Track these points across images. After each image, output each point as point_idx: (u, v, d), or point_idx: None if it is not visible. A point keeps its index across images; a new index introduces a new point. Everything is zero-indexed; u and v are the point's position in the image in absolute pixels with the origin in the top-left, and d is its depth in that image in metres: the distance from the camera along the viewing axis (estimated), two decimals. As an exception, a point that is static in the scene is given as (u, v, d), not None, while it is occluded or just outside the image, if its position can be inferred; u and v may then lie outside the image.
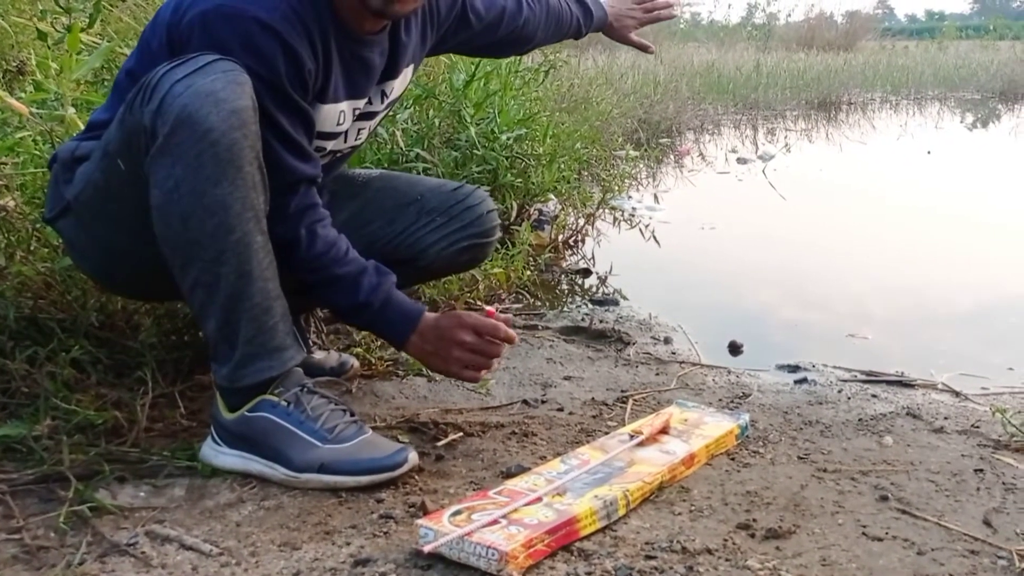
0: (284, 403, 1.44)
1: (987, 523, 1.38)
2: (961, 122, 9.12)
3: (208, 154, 1.31)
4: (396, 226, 1.75)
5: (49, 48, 1.98)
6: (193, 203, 1.33)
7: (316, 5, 1.45)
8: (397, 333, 1.57)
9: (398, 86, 1.70)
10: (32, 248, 1.80)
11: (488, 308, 1.61)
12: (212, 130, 1.30)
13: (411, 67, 1.72)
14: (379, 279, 1.54)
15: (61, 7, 1.89)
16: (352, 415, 1.50)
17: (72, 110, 1.92)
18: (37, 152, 1.93)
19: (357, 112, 1.62)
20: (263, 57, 1.39)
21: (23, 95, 2.01)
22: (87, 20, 2.00)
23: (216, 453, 1.46)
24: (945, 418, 1.83)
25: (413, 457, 1.47)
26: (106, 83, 2.40)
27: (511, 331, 1.59)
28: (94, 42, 2.18)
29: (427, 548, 1.20)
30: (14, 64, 2.43)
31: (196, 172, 1.31)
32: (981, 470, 1.57)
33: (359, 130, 1.69)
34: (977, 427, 1.77)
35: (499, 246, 2.65)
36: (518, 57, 3.22)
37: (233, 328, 1.40)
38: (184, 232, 1.35)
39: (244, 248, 1.37)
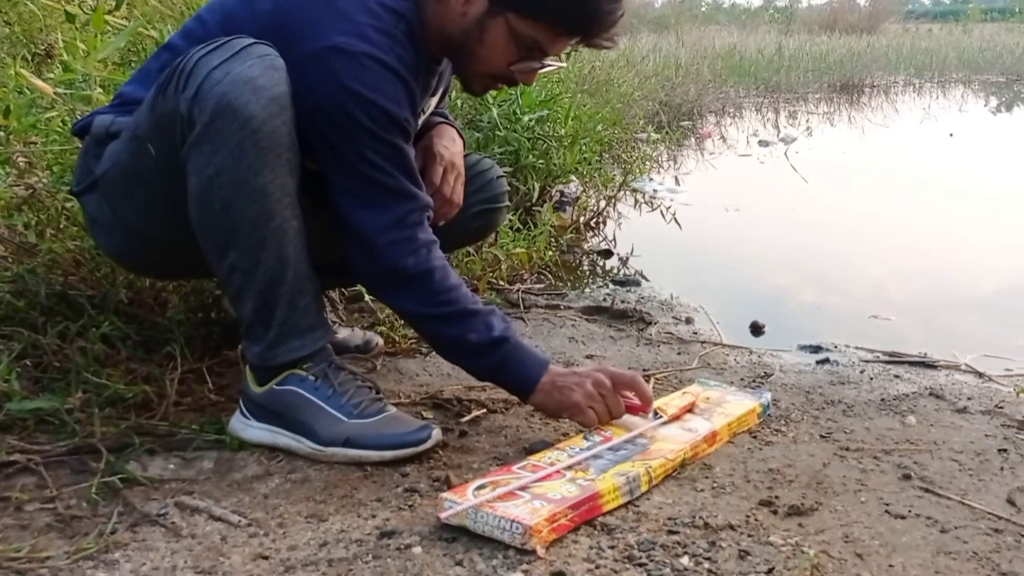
0: (312, 378, 1.46)
1: (1011, 502, 1.38)
2: (985, 105, 9.04)
3: (249, 142, 1.31)
4: None
5: (77, 29, 2.00)
6: (234, 191, 1.34)
7: (414, 40, 1.45)
8: (531, 370, 1.50)
9: (432, 104, 1.70)
10: (62, 226, 1.82)
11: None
12: (253, 118, 1.30)
13: (441, 92, 1.72)
14: (508, 322, 1.52)
15: (89, -12, 1.90)
16: (378, 392, 1.52)
17: (99, 90, 1.94)
18: (64, 132, 1.95)
19: None
20: (388, 94, 1.40)
21: (51, 76, 2.04)
22: (114, 2, 2.01)
23: (244, 426, 1.48)
24: (968, 398, 1.83)
25: (437, 434, 1.48)
26: (133, 64, 2.42)
27: (650, 393, 1.54)
28: (121, 23, 2.19)
29: (443, 515, 1.22)
30: (42, 47, 2.46)
31: (238, 161, 1.32)
32: (1005, 450, 1.57)
33: None
34: (1001, 407, 1.77)
35: (521, 226, 2.67)
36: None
37: (269, 310, 1.42)
38: (225, 219, 1.36)
39: (283, 234, 1.38)
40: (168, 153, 1.37)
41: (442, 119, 1.76)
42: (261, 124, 1.31)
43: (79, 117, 1.89)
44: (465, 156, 1.81)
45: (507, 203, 1.91)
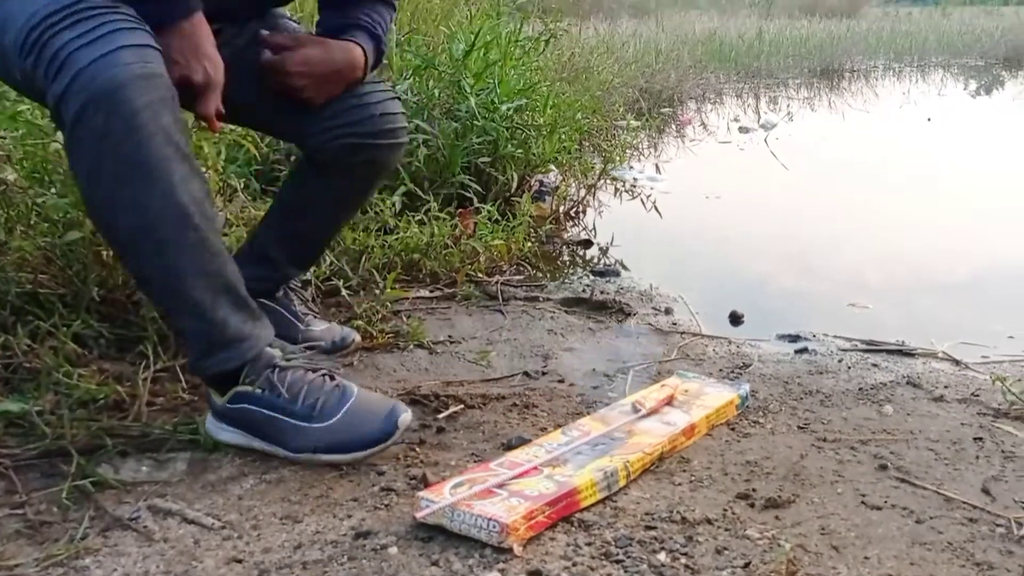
0: (259, 391, 1.39)
1: (986, 491, 1.39)
2: (964, 89, 9.06)
3: (108, 156, 1.21)
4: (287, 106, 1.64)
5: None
6: (109, 206, 1.26)
7: None
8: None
9: None
10: (32, 223, 1.80)
11: None
12: (134, 114, 1.19)
13: None
14: None
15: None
16: (332, 379, 1.45)
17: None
18: (37, 124, 1.91)
19: None
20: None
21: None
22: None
23: (219, 430, 1.45)
24: (945, 387, 1.83)
25: (405, 418, 1.42)
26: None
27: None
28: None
29: (419, 515, 1.21)
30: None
31: (112, 175, 1.22)
32: (980, 438, 1.57)
33: None
34: (977, 395, 1.78)
35: (500, 217, 2.65)
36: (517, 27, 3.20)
37: (181, 324, 1.38)
38: (108, 232, 1.32)
39: (164, 247, 1.28)
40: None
41: (353, 39, 1.64)
42: (122, 137, 1.20)
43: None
44: (364, 83, 1.68)
45: (396, 140, 1.72)
